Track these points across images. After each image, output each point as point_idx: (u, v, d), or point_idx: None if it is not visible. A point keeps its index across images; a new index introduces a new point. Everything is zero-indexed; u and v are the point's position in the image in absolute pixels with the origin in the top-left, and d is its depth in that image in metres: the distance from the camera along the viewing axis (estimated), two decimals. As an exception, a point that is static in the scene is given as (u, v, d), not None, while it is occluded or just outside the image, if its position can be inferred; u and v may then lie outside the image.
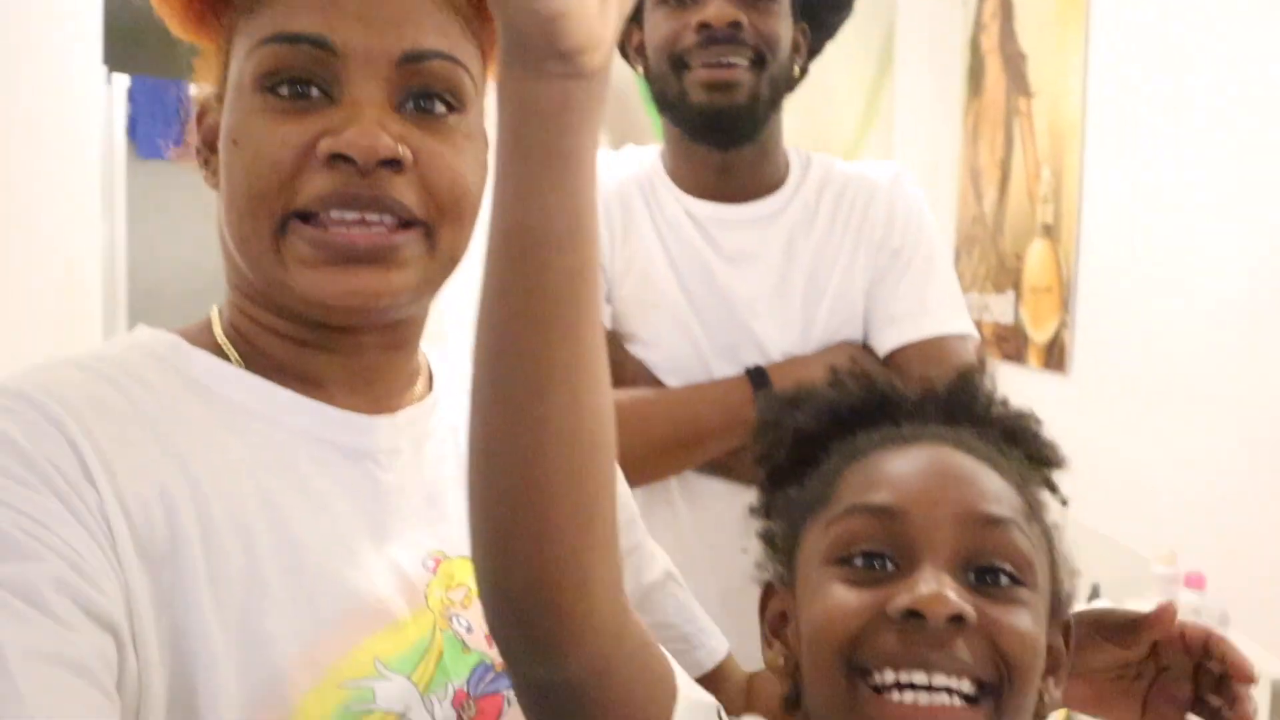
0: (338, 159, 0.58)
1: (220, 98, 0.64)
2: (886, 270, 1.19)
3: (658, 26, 1.16)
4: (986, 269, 3.09)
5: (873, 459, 0.65)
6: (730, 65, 1.12)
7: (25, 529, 0.48)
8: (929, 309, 1.17)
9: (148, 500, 0.53)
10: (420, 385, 0.71)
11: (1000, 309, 2.95)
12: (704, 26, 1.11)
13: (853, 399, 0.69)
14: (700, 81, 1.13)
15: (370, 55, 0.59)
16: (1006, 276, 2.93)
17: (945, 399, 0.70)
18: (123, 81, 2.55)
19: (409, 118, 0.61)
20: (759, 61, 1.13)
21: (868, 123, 3.68)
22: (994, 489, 0.62)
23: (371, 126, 0.58)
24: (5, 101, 1.54)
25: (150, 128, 2.61)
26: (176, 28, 0.66)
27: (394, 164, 0.59)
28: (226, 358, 0.63)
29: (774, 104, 1.17)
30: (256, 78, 0.60)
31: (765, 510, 0.72)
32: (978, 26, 3.25)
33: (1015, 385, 2.73)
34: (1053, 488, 0.70)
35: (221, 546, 0.55)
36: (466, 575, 0.64)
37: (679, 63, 1.14)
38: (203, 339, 0.64)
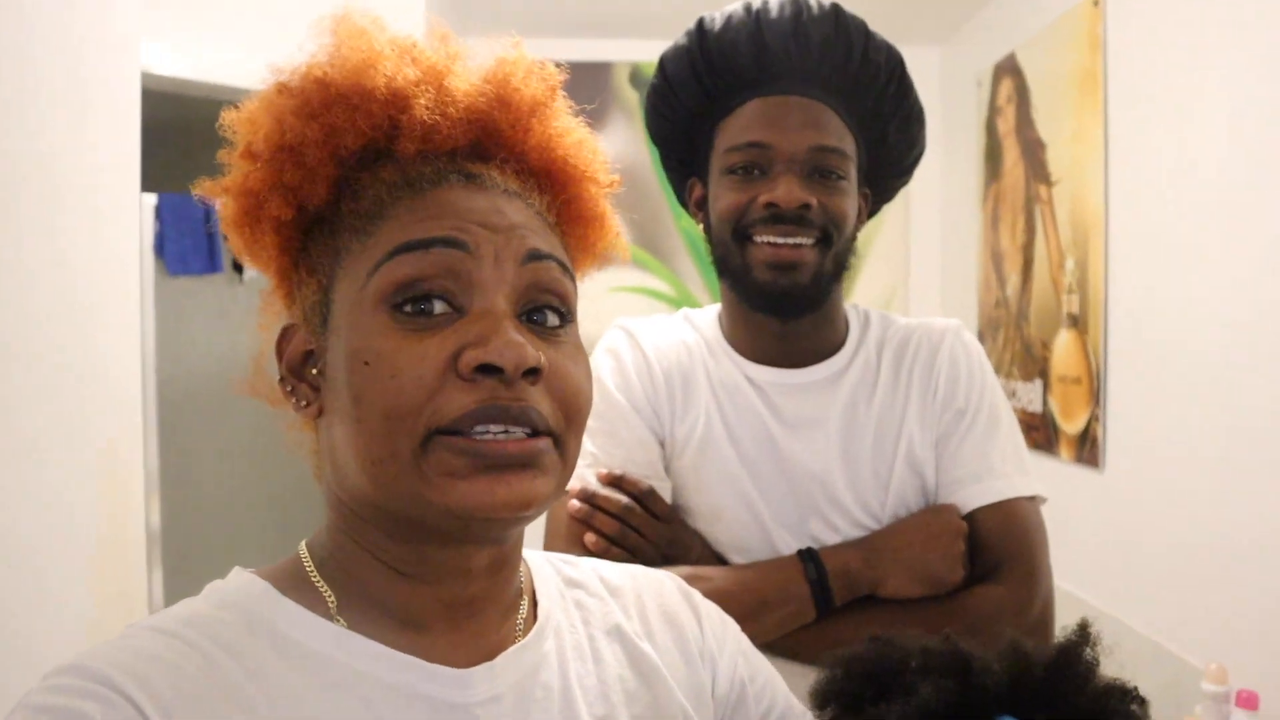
0: (484, 370, 0.58)
1: (308, 322, 0.64)
2: (951, 430, 1.16)
3: (723, 195, 1.13)
4: (1012, 355, 3.07)
5: None
6: (796, 246, 1.08)
7: None
8: (995, 470, 1.14)
9: None
10: (525, 609, 0.70)
11: (1028, 396, 2.93)
12: (771, 205, 1.08)
13: (949, 696, 0.63)
14: (764, 260, 1.09)
15: (499, 255, 0.61)
16: (1033, 364, 2.92)
17: (1042, 683, 0.65)
18: (149, 199, 2.58)
19: (526, 329, 0.62)
20: (825, 239, 1.10)
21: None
22: None
23: (514, 336, 0.59)
24: (47, 218, 1.57)
25: (178, 245, 2.63)
26: (258, 263, 0.67)
27: (535, 373, 0.60)
28: (321, 596, 0.63)
29: (837, 276, 1.14)
30: (383, 294, 0.60)
31: None
32: (993, 109, 3.26)
33: (1047, 477, 2.70)
34: None
35: None
36: None
37: (742, 234, 1.11)
38: (295, 581, 0.64)
